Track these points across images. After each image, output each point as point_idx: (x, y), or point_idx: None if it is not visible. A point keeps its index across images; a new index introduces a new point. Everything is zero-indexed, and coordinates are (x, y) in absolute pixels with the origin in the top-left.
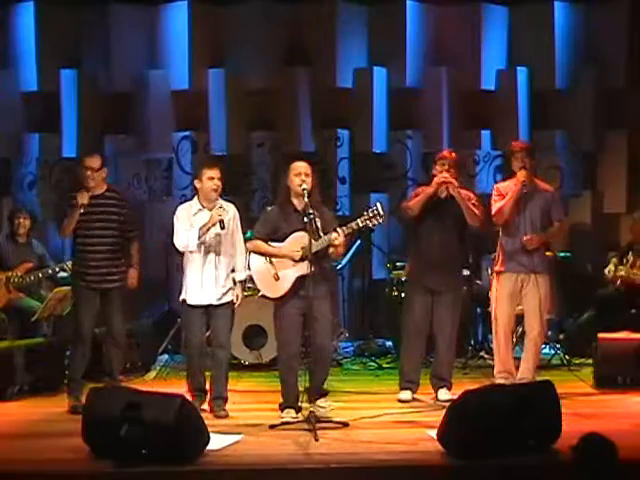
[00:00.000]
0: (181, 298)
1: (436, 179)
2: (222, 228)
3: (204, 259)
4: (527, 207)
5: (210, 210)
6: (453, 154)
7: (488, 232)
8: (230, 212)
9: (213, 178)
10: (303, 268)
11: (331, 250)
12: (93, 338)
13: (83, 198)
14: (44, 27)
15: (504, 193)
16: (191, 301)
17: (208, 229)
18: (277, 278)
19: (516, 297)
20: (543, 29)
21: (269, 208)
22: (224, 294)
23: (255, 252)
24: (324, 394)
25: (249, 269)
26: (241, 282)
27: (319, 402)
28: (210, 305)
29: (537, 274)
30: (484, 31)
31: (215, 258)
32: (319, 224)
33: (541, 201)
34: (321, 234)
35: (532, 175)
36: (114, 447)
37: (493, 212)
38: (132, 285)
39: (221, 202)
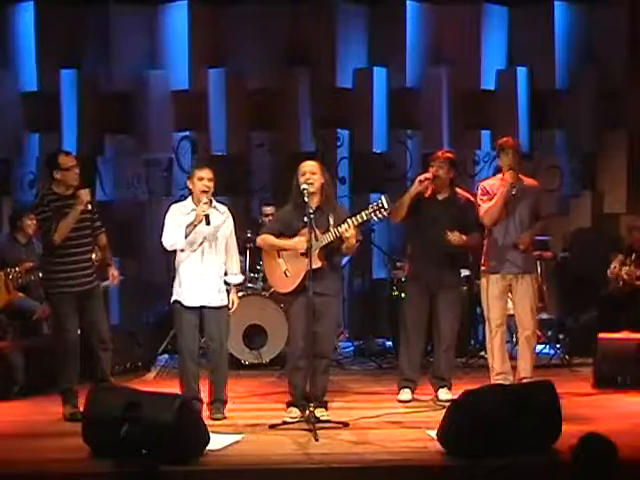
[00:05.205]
0: (172, 299)
1: (417, 179)
2: (207, 224)
3: (196, 261)
4: (516, 207)
5: None
6: (447, 154)
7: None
8: (223, 214)
9: (203, 178)
10: (311, 264)
11: (344, 245)
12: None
13: (87, 195)
14: (44, 27)
15: (491, 192)
16: (183, 302)
17: (195, 226)
18: (287, 274)
19: (506, 297)
20: (543, 29)
21: (285, 207)
22: (216, 297)
23: (263, 246)
24: (323, 405)
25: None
26: (236, 285)
27: (317, 412)
28: (203, 307)
29: (525, 274)
30: (484, 31)
31: (207, 260)
32: (331, 221)
33: (530, 199)
34: (331, 229)
35: (518, 172)
36: (114, 447)
37: (481, 213)
38: (115, 282)
39: (214, 203)
